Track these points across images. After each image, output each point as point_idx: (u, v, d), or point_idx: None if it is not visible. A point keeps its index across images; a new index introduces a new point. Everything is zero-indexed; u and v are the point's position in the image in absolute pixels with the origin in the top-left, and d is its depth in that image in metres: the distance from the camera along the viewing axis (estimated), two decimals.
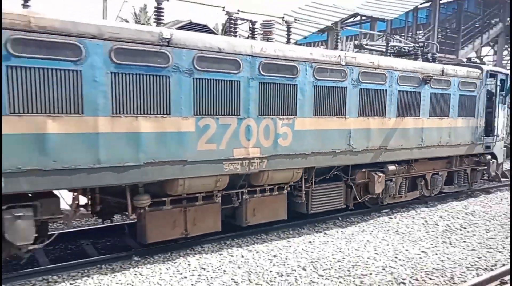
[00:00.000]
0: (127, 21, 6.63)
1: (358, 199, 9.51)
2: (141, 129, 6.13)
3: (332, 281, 6.19)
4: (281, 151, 7.61)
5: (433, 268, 6.81)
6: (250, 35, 7.76)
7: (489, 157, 12.20)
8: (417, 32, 22.87)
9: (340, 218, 9.34)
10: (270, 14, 8.99)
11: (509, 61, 27.80)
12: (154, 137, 6.24)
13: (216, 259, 6.81)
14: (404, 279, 6.32)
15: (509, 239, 8.50)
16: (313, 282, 6.14)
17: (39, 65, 5.32)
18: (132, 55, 5.99)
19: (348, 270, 6.59)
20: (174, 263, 6.61)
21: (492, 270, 6.72)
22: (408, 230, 8.80)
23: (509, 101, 13.02)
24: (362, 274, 6.45)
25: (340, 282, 6.15)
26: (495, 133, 12.09)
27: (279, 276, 6.28)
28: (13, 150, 5.20)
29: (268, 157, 7.45)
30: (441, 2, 22.43)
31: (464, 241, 8.25)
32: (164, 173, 6.37)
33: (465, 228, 9.11)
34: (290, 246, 7.52)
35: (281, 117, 7.58)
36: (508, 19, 23.82)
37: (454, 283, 6.28)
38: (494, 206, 10.97)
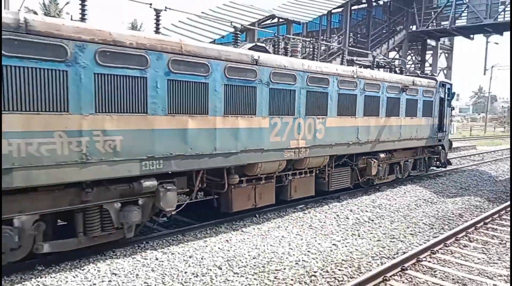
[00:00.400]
0: (35, 13, 6.17)
1: (359, 180, 12.23)
2: (239, 126, 8.29)
3: (247, 278, 6.27)
4: (318, 143, 10.11)
5: (342, 260, 7.18)
6: (275, 51, 9.89)
7: (440, 148, 15.49)
8: (331, 35, 24.01)
9: (257, 216, 9.51)
10: (193, 12, 9.10)
11: (412, 66, 30.21)
12: (246, 132, 8.40)
13: (128, 264, 6.57)
14: (315, 272, 6.59)
15: (410, 229, 9.23)
16: (228, 280, 6.17)
17: (185, 79, 7.27)
18: (236, 71, 8.12)
19: (263, 266, 6.72)
20: (83, 270, 6.27)
21: (394, 258, 7.24)
22: (321, 224, 9.19)
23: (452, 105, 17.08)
24: (276, 270, 6.61)
25: (254, 279, 6.25)
26: (444, 130, 15.45)
27: (194, 276, 6.23)
28: (168, 140, 7.08)
29: (310, 147, 9.89)
30: (352, 8, 23.75)
31: (371, 233, 8.80)
32: (251, 158, 8.57)
33: (372, 220, 9.73)
34: (206, 246, 7.50)
35: (318, 117, 10.05)
36: (411, 27, 25.89)
37: (361, 273, 6.67)
38: (398, 198, 11.84)
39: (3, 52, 5.28)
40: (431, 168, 16.14)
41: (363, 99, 11.36)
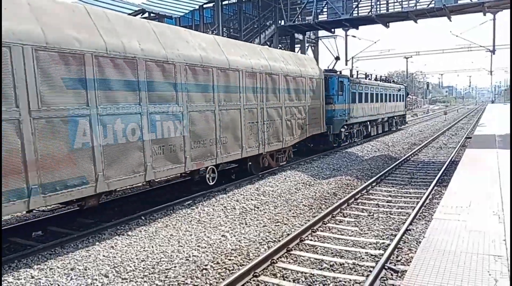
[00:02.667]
0: None
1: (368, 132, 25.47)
2: None
3: (136, 282, 6.05)
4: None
5: (232, 249, 7.35)
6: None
7: (404, 115, 34.72)
8: (206, 30, 24.11)
9: (143, 217, 9.20)
10: None
11: None
12: None
13: None
14: (206, 265, 6.63)
15: (292, 212, 9.81)
16: None
17: None
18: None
19: (153, 268, 6.55)
20: None
21: (279, 241, 7.63)
22: (209, 217, 9.26)
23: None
24: (166, 269, 6.49)
25: (144, 281, 6.06)
26: (405, 107, 35.05)
27: None
28: None
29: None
30: (223, 3, 24.15)
31: (257, 220, 9.15)
32: None
33: (258, 208, 10.11)
34: (89, 256, 7.02)
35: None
36: (280, 21, 27.29)
37: (250, 259, 6.90)
38: (279, 184, 12.48)
39: None
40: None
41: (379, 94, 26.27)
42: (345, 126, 20.39)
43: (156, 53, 8.86)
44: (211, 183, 11.09)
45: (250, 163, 13.11)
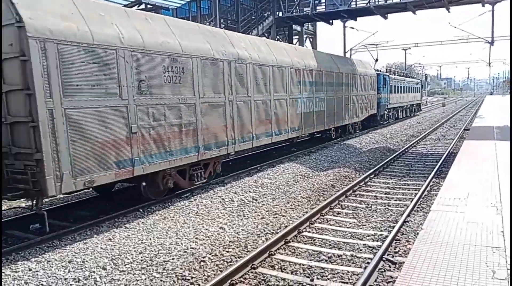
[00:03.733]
0: None
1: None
2: None
3: (134, 274, 6.05)
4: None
5: (230, 241, 7.35)
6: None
7: (420, 104, 44.28)
8: (203, 22, 23.93)
9: (141, 210, 9.18)
10: None
11: None
12: None
13: None
14: (204, 257, 6.64)
15: (290, 204, 9.81)
16: (114, 280, 5.88)
17: None
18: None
19: (151, 260, 6.54)
20: None
21: (277, 233, 7.63)
22: (207, 210, 9.25)
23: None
24: (164, 261, 6.49)
25: (142, 274, 6.06)
26: (421, 97, 45.06)
27: (75, 282, 5.81)
28: None
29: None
30: None
31: (255, 212, 9.15)
32: None
33: (256, 200, 10.10)
34: (87, 248, 7.01)
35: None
36: (278, 13, 27.12)
37: (248, 251, 6.91)
38: (278, 176, 12.47)
39: None
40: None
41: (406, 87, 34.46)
42: (386, 110, 28.56)
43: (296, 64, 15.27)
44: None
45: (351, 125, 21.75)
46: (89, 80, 7.27)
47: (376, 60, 34.71)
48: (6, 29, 6.52)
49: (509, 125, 16.71)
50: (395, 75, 32.46)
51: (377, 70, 28.10)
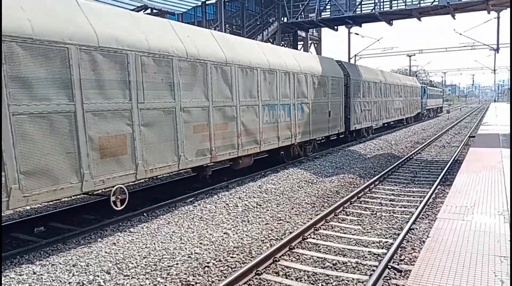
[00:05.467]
0: None
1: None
2: None
3: (138, 279, 6.03)
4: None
5: (234, 247, 7.31)
6: None
7: (441, 107, 58.26)
8: (208, 27, 24.02)
9: (145, 214, 9.18)
10: None
11: None
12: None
13: None
14: (208, 263, 6.60)
15: (294, 210, 9.77)
16: (118, 284, 5.86)
17: None
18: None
19: (155, 265, 6.52)
20: None
21: (282, 239, 7.59)
22: (211, 215, 9.23)
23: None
24: (168, 266, 6.47)
25: (146, 278, 6.03)
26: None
27: None
28: None
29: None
30: (225, 0, 24.07)
31: (260, 217, 9.11)
32: None
33: (260, 205, 10.07)
34: (91, 252, 7.00)
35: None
36: (283, 18, 27.18)
37: (252, 257, 6.87)
38: (282, 182, 12.44)
39: None
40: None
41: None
42: (425, 110, 42.22)
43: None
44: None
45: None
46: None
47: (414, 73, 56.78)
48: None
49: None
50: (427, 86, 48.89)
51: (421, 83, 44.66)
